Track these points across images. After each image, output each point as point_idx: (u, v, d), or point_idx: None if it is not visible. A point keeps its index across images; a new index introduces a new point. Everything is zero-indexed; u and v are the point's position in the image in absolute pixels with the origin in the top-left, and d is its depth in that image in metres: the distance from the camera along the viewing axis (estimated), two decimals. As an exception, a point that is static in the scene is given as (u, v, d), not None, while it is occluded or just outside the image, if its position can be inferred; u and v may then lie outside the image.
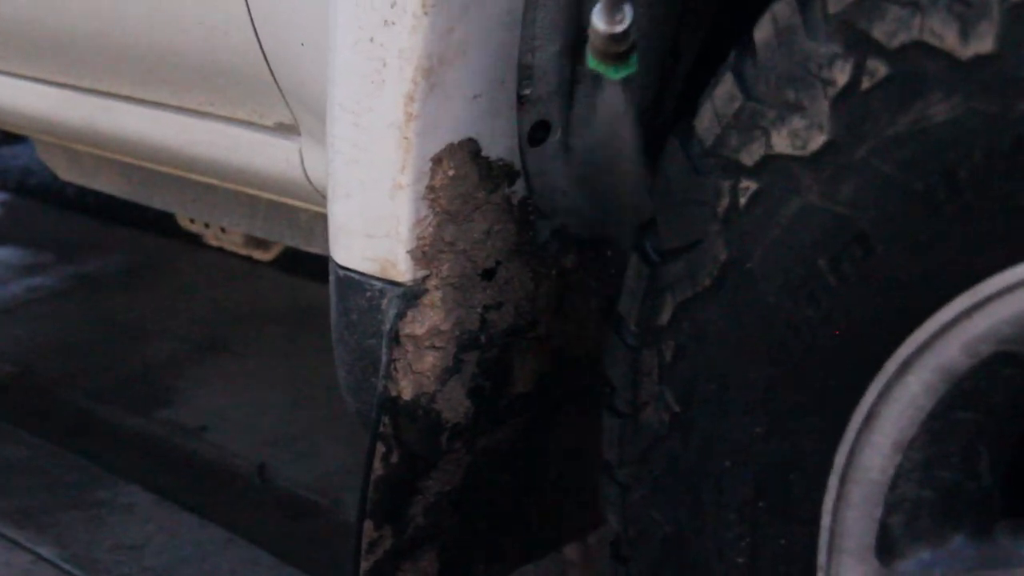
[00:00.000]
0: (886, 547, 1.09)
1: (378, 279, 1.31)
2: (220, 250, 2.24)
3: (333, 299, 1.38)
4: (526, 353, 1.41)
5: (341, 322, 1.37)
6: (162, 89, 1.75)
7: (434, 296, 1.30)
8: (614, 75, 1.18)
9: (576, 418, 1.50)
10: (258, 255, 2.16)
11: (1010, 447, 1.07)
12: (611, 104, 1.22)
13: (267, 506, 2.46)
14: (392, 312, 1.30)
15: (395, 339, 1.31)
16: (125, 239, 3.80)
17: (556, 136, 1.34)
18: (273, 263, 3.51)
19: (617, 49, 1.14)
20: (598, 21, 1.11)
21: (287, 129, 1.62)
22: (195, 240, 3.68)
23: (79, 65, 1.84)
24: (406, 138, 1.23)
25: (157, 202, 2.13)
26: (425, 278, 1.29)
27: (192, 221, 2.21)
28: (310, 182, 1.63)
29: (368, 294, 1.32)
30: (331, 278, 1.38)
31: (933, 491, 1.07)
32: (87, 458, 2.60)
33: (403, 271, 1.29)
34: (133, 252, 3.71)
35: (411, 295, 1.29)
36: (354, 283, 1.33)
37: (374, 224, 1.29)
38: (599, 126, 1.26)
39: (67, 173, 2.28)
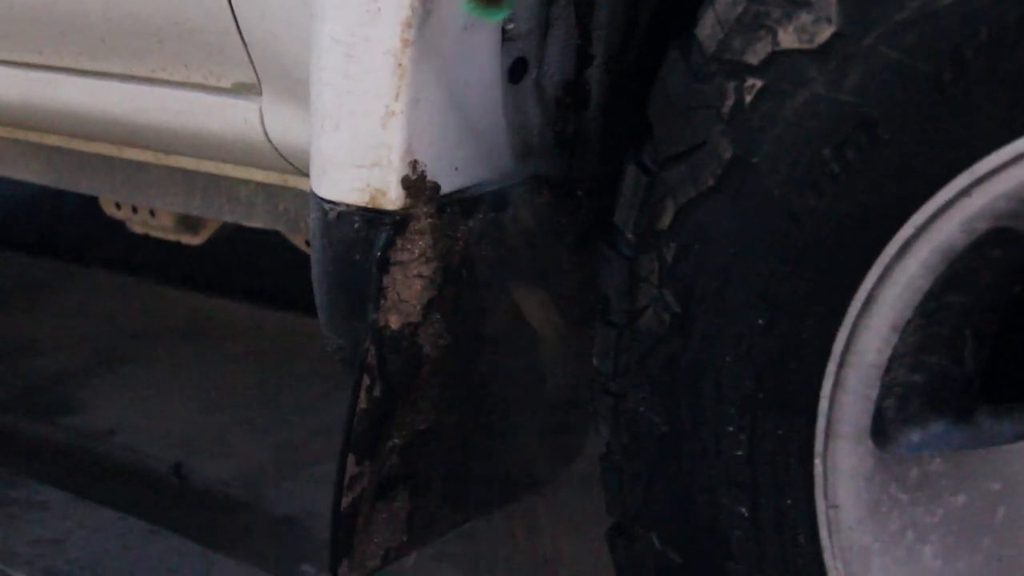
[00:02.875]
0: (879, 430, 1.15)
1: (367, 209, 1.34)
2: (145, 237, 2.23)
3: (316, 236, 1.40)
4: (502, 290, 1.45)
5: (325, 257, 1.39)
6: (111, 59, 1.76)
7: (423, 223, 1.34)
8: (491, 18, 1.24)
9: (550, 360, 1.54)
10: (187, 239, 2.16)
11: (991, 334, 1.15)
12: None
13: (187, 502, 2.45)
14: (382, 240, 1.33)
15: (384, 267, 1.34)
16: (4, 262, 3.74)
17: (532, 75, 1.39)
18: (164, 278, 3.51)
19: None
20: None
21: (247, 89, 1.65)
22: (78, 260, 3.67)
23: (18, 39, 1.84)
24: (401, 65, 1.27)
25: (84, 187, 2.12)
26: (414, 206, 1.33)
27: (118, 207, 2.20)
28: (270, 142, 1.65)
29: (356, 225, 1.35)
30: (313, 215, 1.40)
31: (923, 375, 1.14)
32: (-5, 463, 2.57)
33: (393, 199, 1.32)
34: (14, 274, 3.65)
35: (401, 223, 1.32)
36: (340, 216, 1.35)
37: (364, 154, 1.32)
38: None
39: (-17, 164, 2.26)
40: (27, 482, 2.47)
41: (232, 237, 3.58)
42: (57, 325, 3.28)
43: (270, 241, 3.64)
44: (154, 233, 2.18)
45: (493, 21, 1.24)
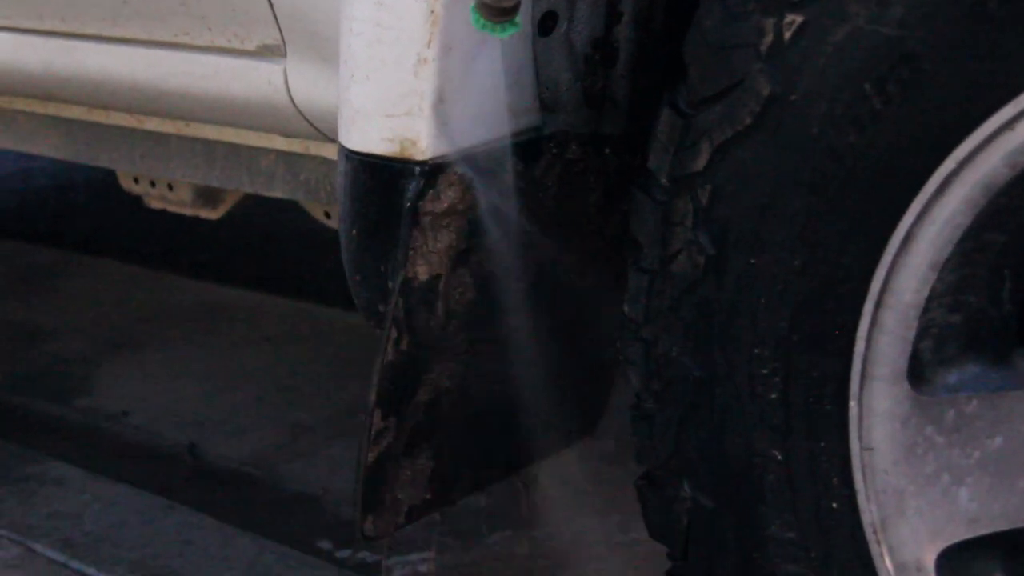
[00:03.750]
0: (916, 372, 1.15)
1: (397, 160, 1.34)
2: (156, 226, 2.22)
3: (343, 188, 1.40)
4: (529, 245, 1.45)
5: (353, 210, 1.39)
6: (133, 23, 1.76)
7: (453, 174, 1.34)
8: (501, 34, 1.24)
9: (573, 322, 1.54)
10: (206, 213, 2.16)
11: (1029, 274, 1.15)
12: None
13: (203, 479, 2.45)
14: (411, 191, 1.33)
15: (414, 218, 1.34)
16: (12, 252, 3.75)
17: (562, 29, 1.39)
18: (173, 267, 3.51)
19: (503, 5, 1.20)
20: None
21: (271, 51, 1.65)
22: (90, 250, 3.68)
23: (40, 5, 1.84)
24: (433, 11, 1.27)
25: (103, 160, 2.12)
26: (444, 156, 1.33)
27: (136, 182, 2.20)
28: (294, 104, 1.65)
29: (385, 176, 1.35)
30: (341, 168, 1.40)
31: (960, 315, 1.14)
32: (7, 441, 2.56)
33: (424, 148, 1.32)
34: (23, 264, 3.66)
35: (431, 173, 1.32)
36: (370, 167, 1.35)
37: (396, 103, 1.32)
38: None
39: (1, 139, 2.26)
40: (43, 459, 2.47)
41: (244, 224, 3.60)
42: (70, 311, 3.28)
43: (281, 230, 3.66)
44: (172, 208, 2.17)
45: (503, 37, 1.25)
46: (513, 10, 1.20)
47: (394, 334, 1.40)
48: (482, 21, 1.22)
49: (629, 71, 1.44)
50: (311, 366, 2.88)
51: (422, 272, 1.37)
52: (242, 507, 2.34)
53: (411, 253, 1.36)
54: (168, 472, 2.47)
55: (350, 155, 1.38)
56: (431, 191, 1.34)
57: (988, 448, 1.14)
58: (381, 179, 1.35)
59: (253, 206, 3.55)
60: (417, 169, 1.33)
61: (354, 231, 1.41)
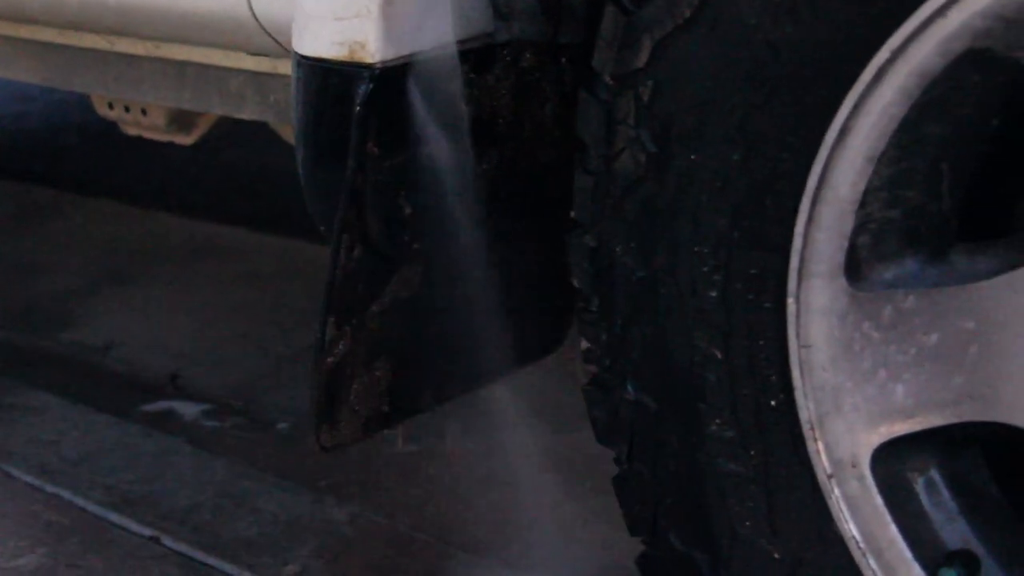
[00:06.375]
0: (853, 267, 1.15)
1: (348, 63, 1.33)
2: (156, 153, 2.22)
3: (297, 97, 1.40)
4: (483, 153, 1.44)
5: (306, 115, 1.39)
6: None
7: (404, 79, 1.33)
8: None
9: (533, 235, 1.54)
10: (180, 139, 2.16)
11: (969, 169, 1.14)
12: None
13: (182, 409, 2.46)
14: (361, 95, 1.32)
15: (364, 123, 1.33)
16: (6, 190, 3.75)
17: (516, -68, 1.38)
18: (165, 206, 3.52)
19: None
20: None
21: (233, -36, 1.64)
22: (81, 188, 3.68)
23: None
24: (382, -91, 1.27)
25: (77, 84, 2.12)
26: (393, 60, 1.32)
27: (111, 108, 2.20)
28: (255, 18, 1.65)
29: (335, 81, 1.34)
30: (295, 75, 1.40)
31: (898, 211, 1.14)
32: (-11, 372, 2.58)
33: (373, 52, 1.31)
34: (17, 202, 3.67)
35: (380, 77, 1.32)
36: (321, 71, 1.35)
37: (345, 5, 1.32)
38: None
39: (-20, 64, 2.26)
40: (25, 389, 2.48)
41: (237, 163, 3.60)
42: (62, 248, 3.29)
43: (274, 168, 3.65)
44: (146, 134, 2.17)
45: None
46: None
47: (347, 241, 1.39)
48: None
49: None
50: (299, 302, 2.88)
51: (373, 179, 1.37)
52: (220, 433, 2.35)
53: (362, 159, 1.36)
54: (149, 403, 2.48)
55: (301, 61, 1.37)
56: (380, 96, 1.33)
57: (925, 344, 1.14)
58: (331, 83, 1.35)
59: (247, 144, 3.57)
60: (366, 73, 1.32)
61: (305, 137, 1.41)
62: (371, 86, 1.31)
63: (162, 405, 2.48)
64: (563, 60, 1.46)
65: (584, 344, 1.31)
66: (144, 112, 2.15)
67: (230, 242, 3.28)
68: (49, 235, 3.40)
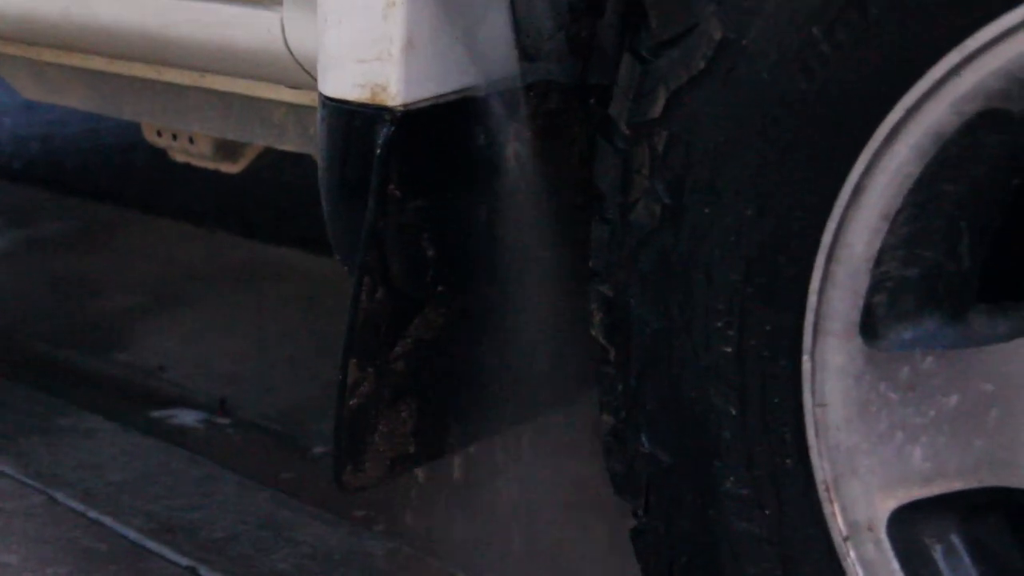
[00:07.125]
0: (869, 327, 1.12)
1: (369, 105, 1.33)
2: (187, 166, 2.24)
3: (321, 137, 1.40)
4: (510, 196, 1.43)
5: (330, 155, 1.39)
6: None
7: (425, 122, 1.33)
8: None
9: (558, 280, 1.52)
10: (226, 168, 2.17)
11: (989, 228, 1.11)
12: None
13: (229, 436, 2.47)
14: (383, 137, 1.32)
15: (386, 165, 1.33)
16: (76, 207, 3.80)
17: (543, -25, 1.37)
18: (224, 225, 3.54)
19: None
20: None
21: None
22: (145, 207, 3.72)
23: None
24: (402, -47, 1.26)
25: (127, 113, 2.14)
26: (415, 103, 1.32)
27: (159, 135, 2.21)
28: (291, 53, 1.65)
29: (358, 123, 1.34)
30: (319, 115, 1.39)
31: (916, 269, 1.11)
32: (47, 393, 2.60)
33: (394, 94, 1.31)
34: (84, 218, 3.71)
35: (402, 120, 1.31)
36: (344, 112, 1.35)
37: (366, 48, 1.31)
38: None
39: (32, 90, 2.29)
40: (77, 412, 2.51)
41: (298, 186, 3.62)
42: (119, 266, 3.33)
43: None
44: (194, 161, 2.18)
45: None
46: None
47: (368, 283, 1.39)
48: None
49: (617, 21, 1.41)
50: (350, 326, 2.87)
51: (396, 221, 1.36)
52: (267, 462, 2.36)
53: (383, 201, 1.35)
54: (197, 426, 2.49)
55: (326, 101, 1.37)
56: (403, 139, 1.33)
57: (943, 407, 1.11)
58: (353, 125, 1.35)
59: (308, 165, 3.58)
60: (388, 115, 1.32)
61: (331, 178, 1.40)
62: (392, 128, 1.31)
63: (210, 430, 2.49)
64: (592, 101, 1.45)
65: (602, 394, 1.29)
66: (191, 140, 2.16)
67: (286, 264, 3.30)
68: (111, 254, 3.43)
